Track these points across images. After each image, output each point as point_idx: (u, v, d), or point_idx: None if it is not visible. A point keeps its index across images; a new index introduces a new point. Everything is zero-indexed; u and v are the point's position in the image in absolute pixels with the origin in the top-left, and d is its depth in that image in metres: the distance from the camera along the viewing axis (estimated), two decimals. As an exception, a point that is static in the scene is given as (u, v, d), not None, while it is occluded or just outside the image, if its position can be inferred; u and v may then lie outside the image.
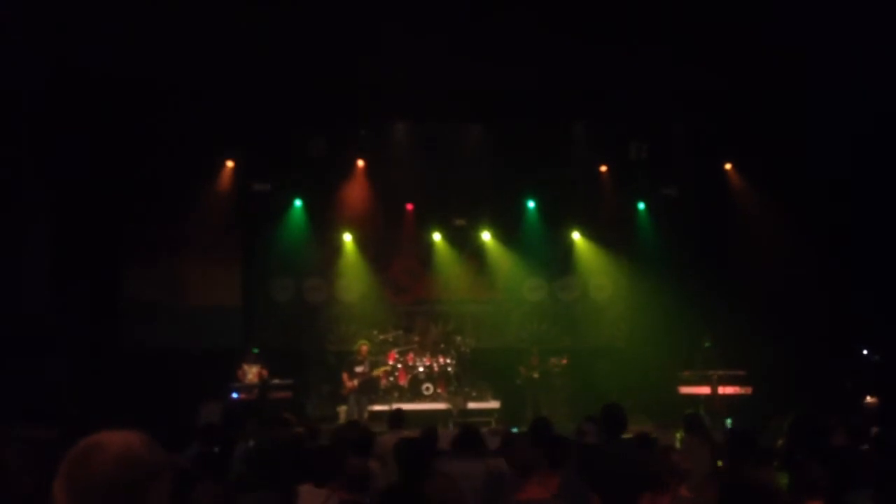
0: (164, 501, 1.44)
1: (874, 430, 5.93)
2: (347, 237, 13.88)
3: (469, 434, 5.60)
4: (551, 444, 4.48)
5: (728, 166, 13.41)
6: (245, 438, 6.84)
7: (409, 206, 14.03)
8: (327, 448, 5.08)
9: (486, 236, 14.19)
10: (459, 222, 13.99)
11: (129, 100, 11.08)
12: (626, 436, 5.72)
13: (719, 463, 5.40)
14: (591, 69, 10.43)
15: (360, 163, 13.41)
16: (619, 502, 3.89)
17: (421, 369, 12.59)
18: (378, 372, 12.38)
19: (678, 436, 6.72)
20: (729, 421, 10.38)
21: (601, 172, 13.73)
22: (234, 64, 10.20)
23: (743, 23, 9.31)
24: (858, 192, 11.66)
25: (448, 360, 12.76)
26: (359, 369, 12.04)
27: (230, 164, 12.87)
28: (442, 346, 13.05)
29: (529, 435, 5.60)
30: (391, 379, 12.60)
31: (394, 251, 14.20)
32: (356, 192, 13.48)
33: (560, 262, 14.29)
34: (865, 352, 11.75)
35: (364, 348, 12.31)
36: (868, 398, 10.66)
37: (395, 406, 11.31)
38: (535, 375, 12.55)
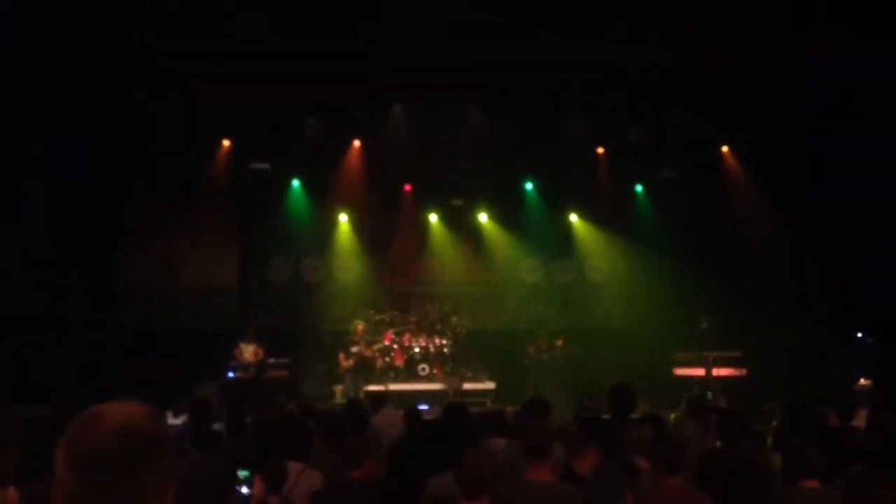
0: (165, 472, 1.41)
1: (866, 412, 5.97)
2: (343, 218, 13.86)
3: (456, 412, 5.51)
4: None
5: (725, 149, 13.38)
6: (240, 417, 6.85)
7: (407, 187, 13.99)
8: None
9: (483, 217, 14.16)
10: (457, 203, 13.96)
11: (125, 82, 10.98)
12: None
13: (717, 444, 5.43)
14: (589, 59, 10.37)
15: (357, 143, 13.35)
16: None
17: (417, 350, 12.60)
18: (371, 350, 12.41)
19: (672, 416, 6.78)
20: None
21: (599, 155, 13.68)
22: (231, 44, 10.09)
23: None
24: (857, 173, 11.61)
25: (444, 341, 12.76)
26: (354, 349, 12.08)
27: (226, 143, 12.81)
28: (438, 326, 13.02)
29: (526, 414, 5.55)
30: (387, 360, 12.62)
31: (391, 232, 14.18)
32: (354, 172, 13.41)
33: (557, 243, 14.28)
34: (860, 334, 11.76)
35: (360, 328, 12.34)
36: (862, 380, 10.68)
37: (390, 386, 11.46)
38: (545, 357, 12.56)
